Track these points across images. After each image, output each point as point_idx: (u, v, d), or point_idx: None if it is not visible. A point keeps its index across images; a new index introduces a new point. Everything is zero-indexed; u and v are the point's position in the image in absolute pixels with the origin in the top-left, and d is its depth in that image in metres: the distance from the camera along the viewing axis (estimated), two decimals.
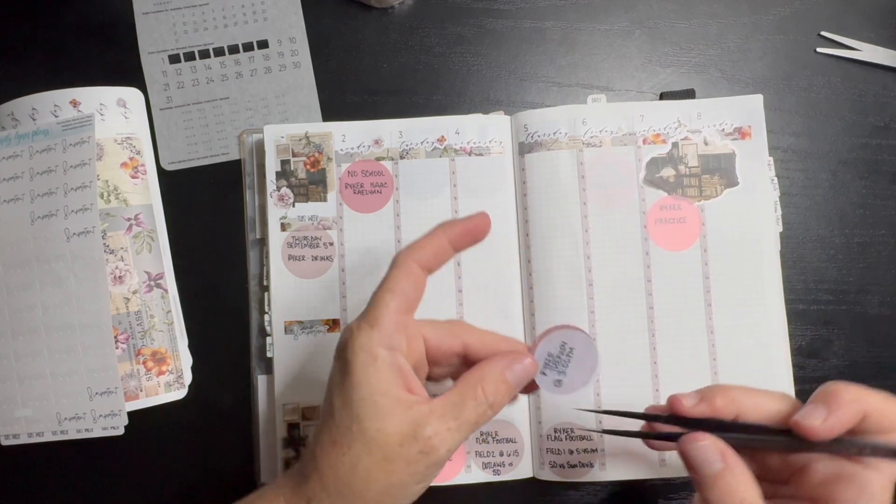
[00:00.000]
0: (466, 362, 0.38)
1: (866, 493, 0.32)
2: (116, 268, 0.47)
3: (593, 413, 0.46)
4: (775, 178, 0.49)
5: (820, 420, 0.32)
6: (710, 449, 0.33)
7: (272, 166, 0.49)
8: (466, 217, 0.38)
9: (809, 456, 0.34)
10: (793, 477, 0.35)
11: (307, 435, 0.47)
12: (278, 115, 0.51)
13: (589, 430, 0.41)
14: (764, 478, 0.34)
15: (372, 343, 0.34)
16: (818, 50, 0.51)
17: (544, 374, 0.38)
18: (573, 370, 0.38)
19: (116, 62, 0.52)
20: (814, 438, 0.32)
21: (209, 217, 0.50)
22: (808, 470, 0.34)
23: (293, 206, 0.48)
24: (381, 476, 0.33)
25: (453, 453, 0.34)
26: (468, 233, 0.37)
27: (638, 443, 0.45)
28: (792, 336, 0.48)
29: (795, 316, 0.49)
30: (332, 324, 0.48)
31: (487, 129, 0.49)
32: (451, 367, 0.38)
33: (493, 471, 0.47)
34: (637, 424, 0.38)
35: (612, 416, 0.38)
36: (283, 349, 0.48)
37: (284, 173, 0.49)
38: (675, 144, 0.48)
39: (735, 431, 0.34)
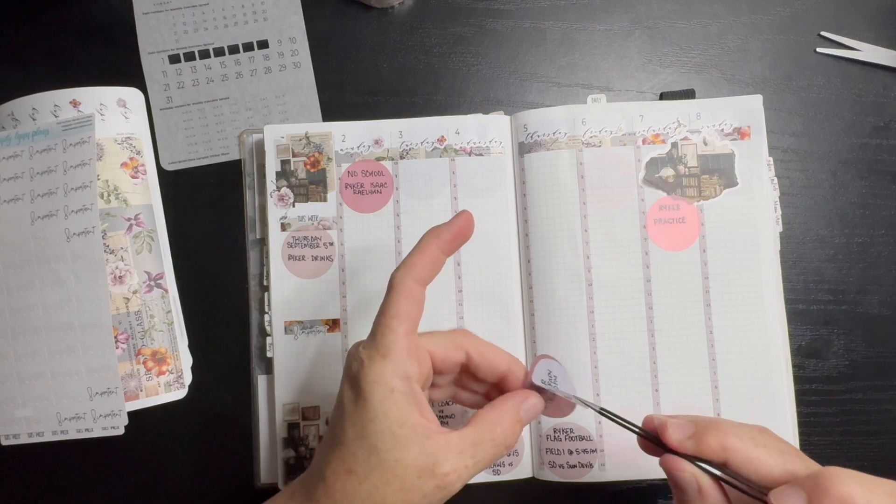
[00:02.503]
0: (465, 371, 0.38)
1: None
2: (116, 268, 0.47)
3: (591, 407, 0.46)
4: (775, 179, 0.49)
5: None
6: (686, 475, 0.33)
7: (272, 166, 0.49)
8: (451, 221, 0.38)
9: None
10: None
11: (307, 435, 0.47)
12: (278, 115, 0.51)
13: (585, 403, 0.39)
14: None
15: (386, 375, 0.34)
16: (818, 50, 0.51)
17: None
18: (559, 396, 0.39)
19: (116, 62, 0.52)
20: None
21: (209, 217, 0.50)
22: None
23: (293, 206, 0.48)
24: None
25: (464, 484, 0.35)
26: (457, 237, 0.38)
27: (637, 443, 0.45)
28: (792, 336, 0.48)
29: (795, 316, 0.49)
30: (332, 324, 0.48)
31: (487, 129, 0.49)
32: (452, 376, 0.39)
33: (493, 471, 0.47)
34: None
35: (609, 417, 0.38)
36: (283, 349, 0.48)
37: (284, 173, 0.49)
38: (674, 144, 0.48)
39: (719, 471, 0.33)
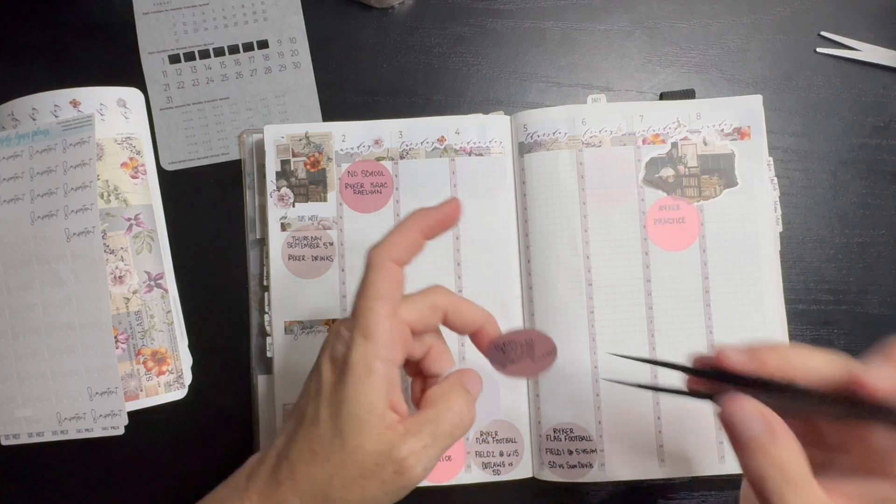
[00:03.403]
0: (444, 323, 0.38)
1: None
2: (116, 268, 0.47)
3: (596, 408, 0.46)
4: (775, 179, 0.49)
5: (886, 377, 0.29)
6: (753, 414, 0.30)
7: (272, 166, 0.49)
8: (438, 206, 0.37)
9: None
10: (848, 443, 0.32)
11: None
12: (278, 115, 0.51)
13: (622, 383, 0.38)
14: (815, 443, 0.32)
15: (368, 357, 0.34)
16: (818, 50, 0.51)
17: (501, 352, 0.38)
18: (522, 363, 0.38)
19: (116, 62, 0.52)
20: (879, 398, 0.29)
21: (209, 217, 0.50)
22: (866, 438, 0.31)
23: (293, 206, 0.48)
24: (356, 490, 0.33)
25: (429, 472, 0.34)
26: (442, 222, 0.37)
27: (637, 443, 0.45)
28: (792, 336, 0.48)
29: (795, 316, 0.49)
30: (332, 324, 0.48)
31: (487, 129, 0.49)
32: (429, 342, 0.38)
33: (493, 471, 0.47)
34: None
35: (643, 363, 0.37)
36: (283, 349, 0.48)
37: (284, 173, 0.49)
38: (674, 144, 0.48)
39: (786, 394, 0.31)
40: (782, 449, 0.29)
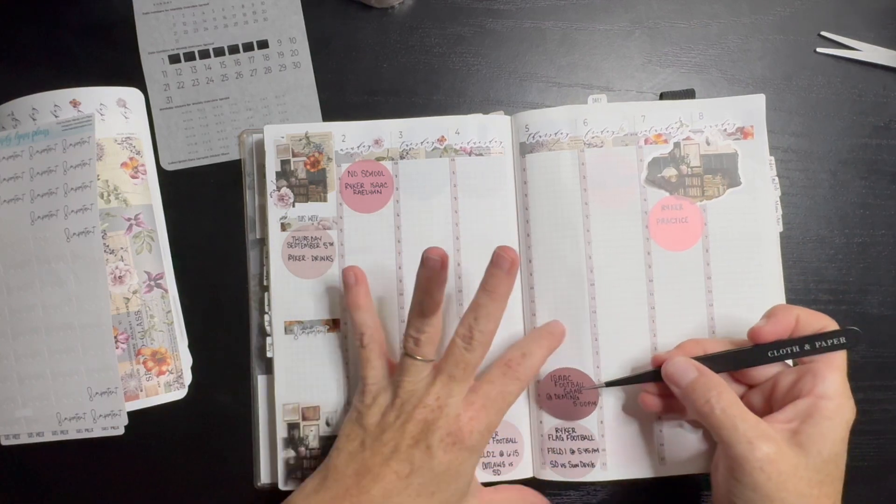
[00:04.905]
0: None
1: (818, 378, 0.39)
2: (116, 268, 0.47)
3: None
4: (776, 178, 0.49)
5: (764, 324, 0.41)
6: (684, 363, 0.41)
7: (272, 166, 0.49)
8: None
9: (775, 377, 0.42)
10: (769, 403, 0.42)
11: (307, 435, 0.47)
12: (278, 115, 0.51)
13: (592, 387, 0.46)
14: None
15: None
16: (818, 50, 0.51)
17: None
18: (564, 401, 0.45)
19: (116, 62, 0.52)
20: (764, 339, 0.41)
21: (209, 217, 0.50)
22: (776, 388, 0.41)
23: (293, 206, 0.48)
24: None
25: None
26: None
27: (639, 443, 0.45)
28: None
29: None
30: (332, 324, 0.48)
31: (487, 129, 0.49)
32: None
33: (493, 471, 0.47)
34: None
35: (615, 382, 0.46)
36: (283, 349, 0.48)
37: (284, 173, 0.49)
38: (676, 144, 0.48)
39: (709, 362, 0.42)
40: (711, 379, 0.40)
